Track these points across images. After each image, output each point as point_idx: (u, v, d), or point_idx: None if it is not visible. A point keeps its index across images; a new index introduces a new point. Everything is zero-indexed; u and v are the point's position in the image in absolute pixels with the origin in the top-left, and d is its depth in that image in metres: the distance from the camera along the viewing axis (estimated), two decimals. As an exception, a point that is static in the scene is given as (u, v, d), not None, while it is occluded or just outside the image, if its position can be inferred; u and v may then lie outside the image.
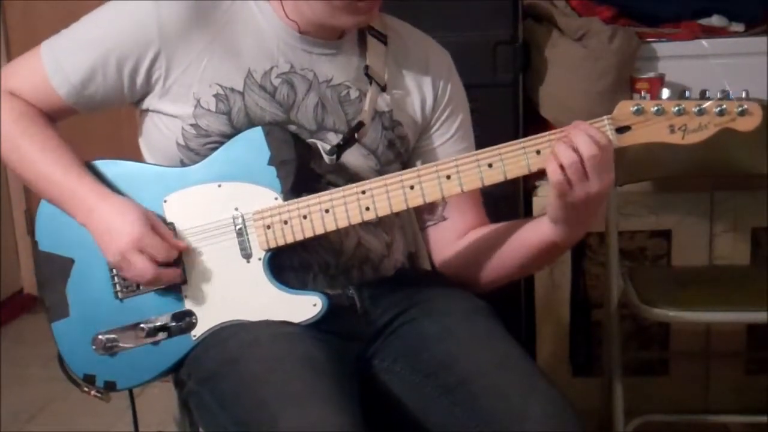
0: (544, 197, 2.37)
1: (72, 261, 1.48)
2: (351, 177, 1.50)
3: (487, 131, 1.76)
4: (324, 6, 1.44)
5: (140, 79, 1.46)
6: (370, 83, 1.51)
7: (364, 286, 1.52)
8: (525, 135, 2.33)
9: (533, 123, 2.43)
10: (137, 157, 1.55)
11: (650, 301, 2.08)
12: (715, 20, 2.50)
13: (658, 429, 2.33)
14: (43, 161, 1.46)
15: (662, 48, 2.45)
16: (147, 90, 1.47)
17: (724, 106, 1.36)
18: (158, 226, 1.42)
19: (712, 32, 2.49)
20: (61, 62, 1.47)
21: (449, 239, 1.61)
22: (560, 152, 1.34)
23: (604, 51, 2.34)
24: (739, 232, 2.44)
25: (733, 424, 2.48)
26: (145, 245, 1.39)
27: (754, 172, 2.25)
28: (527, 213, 2.39)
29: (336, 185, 1.47)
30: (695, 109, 1.36)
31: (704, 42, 2.44)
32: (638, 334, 2.54)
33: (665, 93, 1.38)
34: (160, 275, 1.41)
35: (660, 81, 2.36)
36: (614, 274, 2.21)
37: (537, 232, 1.48)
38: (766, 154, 2.18)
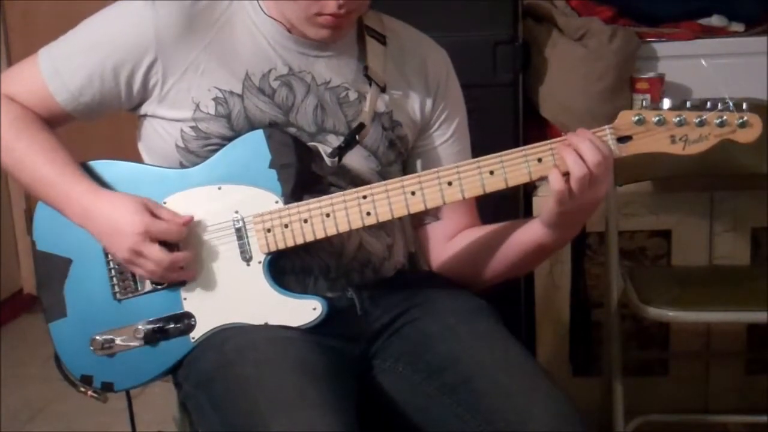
0: (544, 197, 2.37)
1: (70, 261, 1.48)
2: (352, 179, 1.50)
3: (487, 131, 1.76)
4: (292, 13, 1.44)
5: (137, 85, 1.46)
6: (370, 84, 1.51)
7: (364, 288, 1.52)
8: (525, 135, 2.37)
9: (533, 123, 2.43)
10: (138, 158, 1.54)
11: (650, 301, 2.07)
12: (715, 20, 2.50)
13: (658, 429, 2.33)
14: (37, 163, 1.46)
15: (662, 48, 2.45)
16: (144, 96, 1.47)
17: (725, 118, 1.36)
18: (158, 209, 1.42)
19: (712, 32, 2.49)
20: (59, 69, 1.47)
21: (442, 239, 1.62)
22: (570, 162, 1.34)
23: (604, 51, 2.34)
24: (739, 232, 2.43)
25: (733, 424, 2.48)
26: (154, 232, 1.39)
27: (754, 172, 2.25)
28: (527, 213, 2.39)
29: (337, 187, 1.47)
30: (696, 120, 1.37)
31: (704, 42, 2.44)
32: (638, 334, 2.54)
33: (666, 103, 1.38)
34: (177, 258, 1.40)
35: (660, 81, 2.36)
36: (614, 274, 2.20)
37: (529, 233, 1.49)
38: (766, 154, 2.18)
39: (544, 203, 2.32)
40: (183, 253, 1.42)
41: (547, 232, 1.45)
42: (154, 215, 1.41)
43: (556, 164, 1.36)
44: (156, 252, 1.39)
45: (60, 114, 1.49)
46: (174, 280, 1.44)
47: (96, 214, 1.42)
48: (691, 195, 2.42)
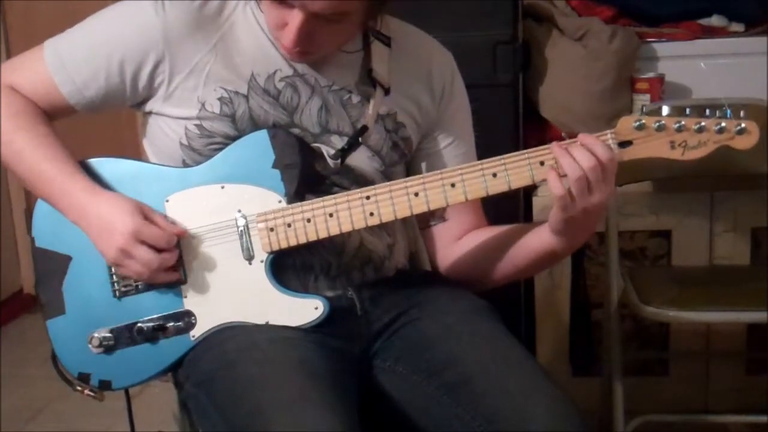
0: (544, 197, 2.38)
1: (69, 258, 1.47)
2: (356, 178, 1.50)
3: (487, 131, 1.76)
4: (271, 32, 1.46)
5: (142, 83, 1.46)
6: (374, 87, 1.51)
7: (364, 287, 1.52)
8: (525, 135, 2.37)
9: (533, 123, 2.44)
10: (138, 156, 1.54)
11: (650, 301, 2.08)
12: (715, 20, 2.50)
13: (658, 429, 2.33)
14: (36, 158, 1.45)
15: (662, 48, 2.45)
16: (149, 93, 1.47)
17: (723, 125, 1.38)
18: (152, 215, 1.42)
19: (712, 32, 2.49)
20: (65, 61, 1.47)
21: (449, 240, 1.62)
22: (565, 165, 1.35)
23: (604, 51, 2.34)
24: (739, 232, 2.44)
25: (733, 424, 2.48)
26: (144, 235, 1.38)
27: (754, 172, 2.25)
28: (527, 212, 2.40)
29: (340, 186, 1.47)
30: (695, 127, 1.38)
31: (704, 42, 2.44)
32: (638, 334, 2.54)
33: (666, 110, 1.39)
34: (165, 259, 1.40)
35: (660, 81, 2.36)
36: (614, 274, 2.20)
37: (538, 239, 1.49)
38: (766, 154, 2.18)
39: (544, 204, 2.34)
40: (171, 253, 1.41)
41: (556, 239, 1.45)
42: (148, 219, 1.41)
43: (552, 166, 1.37)
44: (144, 253, 1.39)
45: (63, 106, 1.49)
46: (161, 282, 1.44)
47: (91, 212, 1.42)
48: (691, 195, 2.42)
